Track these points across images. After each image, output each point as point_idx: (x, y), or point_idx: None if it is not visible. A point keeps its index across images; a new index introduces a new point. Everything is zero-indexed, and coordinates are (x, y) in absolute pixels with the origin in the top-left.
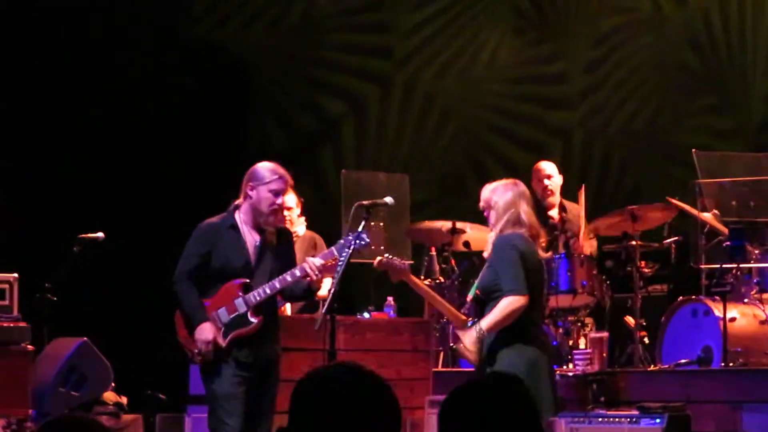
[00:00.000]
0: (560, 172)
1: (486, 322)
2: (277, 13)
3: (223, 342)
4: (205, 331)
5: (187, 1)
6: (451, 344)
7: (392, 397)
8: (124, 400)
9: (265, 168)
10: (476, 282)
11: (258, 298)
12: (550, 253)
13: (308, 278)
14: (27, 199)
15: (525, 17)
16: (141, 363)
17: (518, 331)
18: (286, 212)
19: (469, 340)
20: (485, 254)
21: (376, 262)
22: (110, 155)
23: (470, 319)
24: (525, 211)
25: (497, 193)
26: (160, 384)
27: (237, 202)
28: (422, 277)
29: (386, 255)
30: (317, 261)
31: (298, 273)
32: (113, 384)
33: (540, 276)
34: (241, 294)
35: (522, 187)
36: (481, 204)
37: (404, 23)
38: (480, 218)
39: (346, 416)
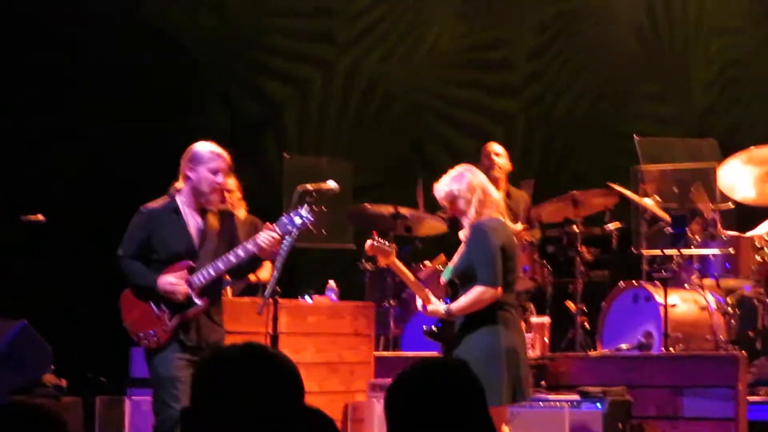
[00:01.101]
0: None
1: (456, 305)
2: None
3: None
4: (167, 280)
5: None
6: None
7: (290, 373)
8: (63, 382)
9: (203, 148)
10: (450, 266)
11: (202, 280)
12: (521, 226)
13: (261, 253)
14: None
15: (469, 3)
16: (81, 346)
17: (486, 315)
18: (226, 194)
19: (438, 307)
20: (462, 236)
21: (367, 246)
22: (51, 136)
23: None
24: (490, 187)
25: (456, 181)
26: (100, 367)
27: (176, 185)
28: (364, 261)
29: (376, 239)
30: (270, 234)
31: (241, 253)
32: (53, 367)
33: (515, 260)
34: (186, 276)
35: (472, 168)
36: (442, 201)
37: (348, 8)
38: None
39: (243, 392)
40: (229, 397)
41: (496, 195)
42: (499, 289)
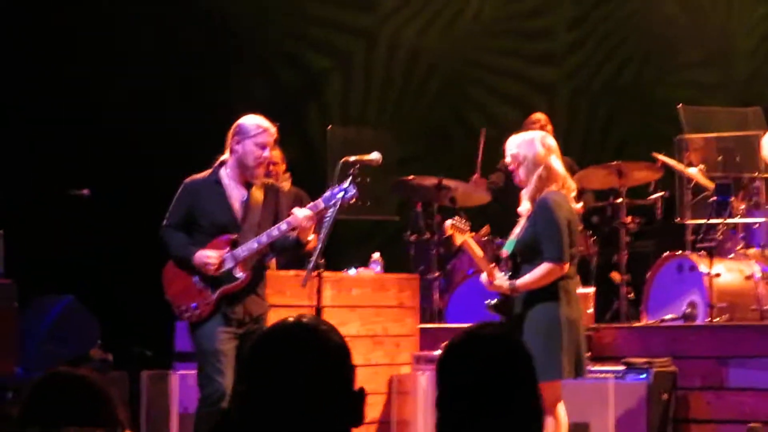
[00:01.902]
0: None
1: (522, 281)
2: None
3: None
4: (203, 253)
5: None
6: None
7: (339, 352)
8: (110, 356)
9: (250, 121)
10: (512, 238)
11: (245, 254)
12: (582, 205)
13: (296, 230)
14: (12, 154)
15: None
16: (127, 320)
17: (548, 288)
18: (272, 167)
19: (502, 283)
20: (522, 210)
21: (447, 225)
22: (94, 110)
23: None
24: (556, 163)
25: (525, 147)
26: (146, 340)
27: (222, 157)
28: (408, 233)
29: (456, 218)
30: (305, 212)
31: (284, 227)
32: (99, 341)
33: (576, 234)
34: (228, 249)
35: (549, 138)
36: (507, 159)
37: None
38: (466, 173)
39: (292, 372)
40: (279, 377)
41: (562, 171)
42: (566, 265)
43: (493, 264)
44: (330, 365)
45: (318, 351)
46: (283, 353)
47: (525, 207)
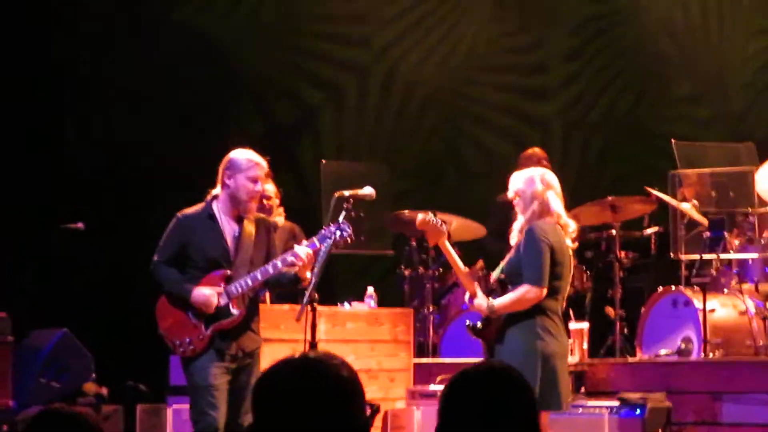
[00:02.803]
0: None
1: (499, 302)
2: (257, 1)
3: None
4: (202, 293)
5: None
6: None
7: (347, 387)
8: (104, 390)
9: (241, 156)
10: (502, 265)
11: (240, 290)
12: (576, 245)
13: (295, 267)
14: (5, 188)
15: (504, 6)
16: (121, 354)
17: (526, 318)
18: (265, 202)
19: (482, 303)
20: (512, 240)
21: (418, 220)
22: (88, 144)
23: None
24: (553, 200)
25: (525, 183)
26: (140, 375)
27: (214, 191)
28: (403, 267)
29: (429, 214)
30: (306, 250)
31: (279, 264)
32: (94, 375)
33: (566, 267)
34: (222, 285)
35: (549, 175)
36: (511, 194)
37: (383, 12)
38: (459, 207)
39: (300, 409)
40: (287, 412)
41: (559, 207)
42: (544, 289)
43: (476, 282)
44: (339, 399)
45: (327, 385)
46: (292, 387)
47: (515, 238)
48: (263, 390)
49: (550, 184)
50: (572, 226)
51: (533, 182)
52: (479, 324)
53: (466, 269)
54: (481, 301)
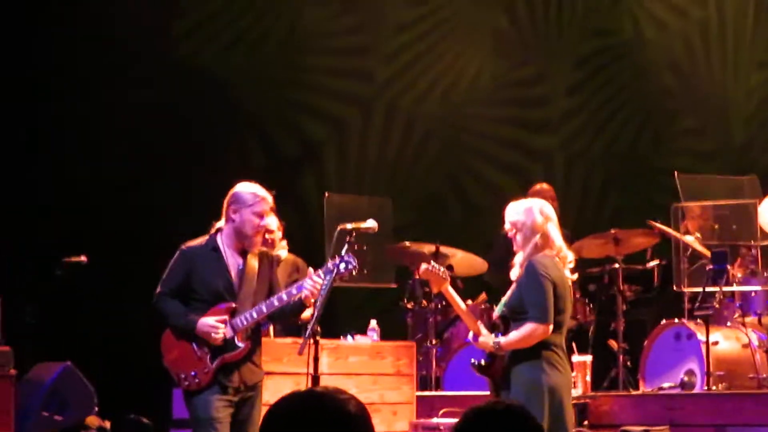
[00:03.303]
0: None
1: (506, 340)
2: (260, 36)
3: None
4: (207, 322)
5: (169, 22)
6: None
7: (363, 426)
8: (107, 424)
9: (247, 190)
10: (503, 300)
11: (245, 323)
12: (576, 276)
13: (303, 297)
14: (9, 221)
15: (506, 40)
16: (124, 387)
17: (531, 353)
18: (267, 235)
19: (487, 340)
20: (513, 275)
21: (421, 270)
22: (92, 178)
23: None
24: (552, 232)
25: (524, 214)
26: (143, 408)
27: (218, 224)
28: (405, 300)
29: (432, 263)
30: (311, 282)
31: (285, 297)
32: (96, 408)
33: (567, 300)
34: (227, 318)
35: (547, 207)
36: (507, 226)
37: (386, 47)
38: (462, 240)
39: None
40: None
41: (559, 240)
42: (550, 326)
43: (478, 320)
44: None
45: (335, 420)
46: (300, 422)
47: (515, 272)
48: (271, 424)
49: (549, 216)
50: (570, 257)
51: (532, 213)
52: (483, 362)
53: (468, 309)
54: (487, 339)
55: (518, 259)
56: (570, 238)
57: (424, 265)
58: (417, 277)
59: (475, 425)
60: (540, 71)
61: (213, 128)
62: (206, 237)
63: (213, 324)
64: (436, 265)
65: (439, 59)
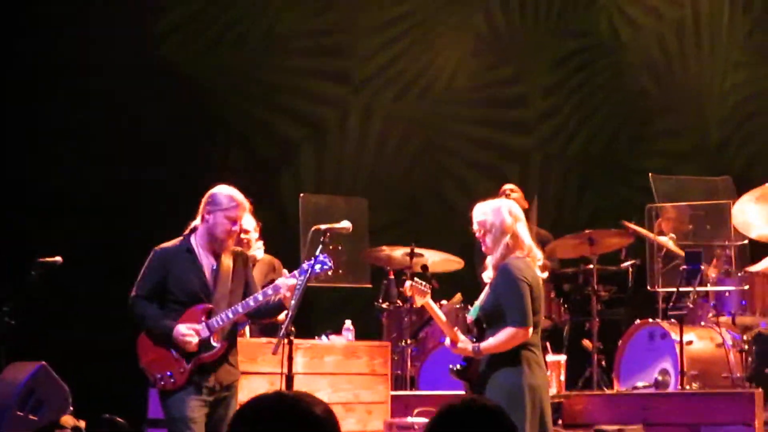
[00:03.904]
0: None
1: (485, 345)
2: (238, 37)
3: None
4: (182, 330)
5: (148, 24)
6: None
7: (325, 427)
8: (82, 424)
9: (224, 194)
10: (477, 304)
11: (221, 323)
12: (547, 274)
13: (278, 296)
14: None
15: (483, 41)
16: (99, 387)
17: (510, 355)
18: (243, 236)
19: (467, 346)
20: (485, 278)
21: (406, 286)
22: (66, 178)
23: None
24: (522, 232)
25: (493, 215)
26: (118, 408)
27: (194, 224)
28: (380, 300)
29: (414, 279)
30: (287, 282)
31: (261, 297)
32: (71, 408)
33: (541, 300)
34: (204, 319)
35: (515, 206)
36: (475, 227)
37: (362, 48)
38: (438, 241)
39: None
40: None
41: (528, 239)
42: (530, 328)
43: (456, 327)
44: None
45: (302, 423)
46: (267, 425)
47: (489, 274)
48: (238, 426)
49: (518, 216)
50: (539, 256)
51: (501, 214)
52: (459, 366)
53: (447, 319)
54: (465, 344)
55: (490, 261)
56: (547, 240)
57: (408, 282)
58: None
59: (449, 424)
60: (516, 72)
61: (191, 129)
62: (180, 238)
63: (186, 332)
64: (418, 281)
65: (416, 60)
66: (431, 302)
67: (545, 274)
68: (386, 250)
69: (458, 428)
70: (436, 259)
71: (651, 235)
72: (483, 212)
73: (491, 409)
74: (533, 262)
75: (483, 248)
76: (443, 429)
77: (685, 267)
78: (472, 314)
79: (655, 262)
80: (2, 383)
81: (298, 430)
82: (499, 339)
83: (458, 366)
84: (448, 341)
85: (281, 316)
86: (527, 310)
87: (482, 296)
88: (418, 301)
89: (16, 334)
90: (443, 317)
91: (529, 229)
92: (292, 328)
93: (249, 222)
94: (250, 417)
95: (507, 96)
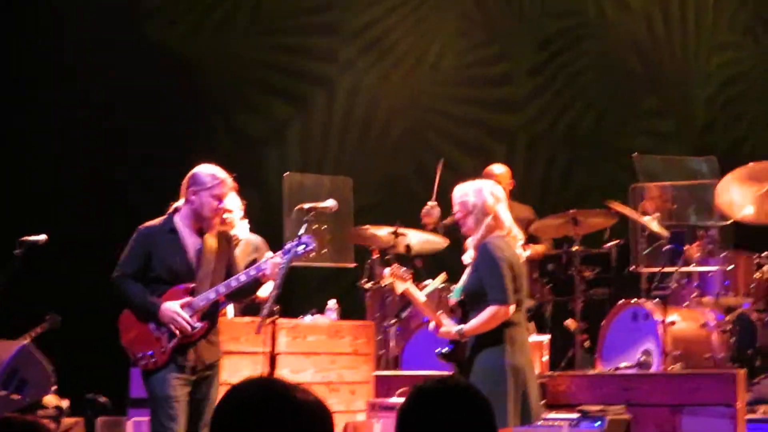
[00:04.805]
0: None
1: (468, 326)
2: (225, 15)
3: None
4: (171, 309)
5: (135, 2)
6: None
7: (318, 417)
8: (65, 403)
9: (207, 172)
10: (459, 286)
11: (203, 303)
12: (529, 253)
13: (262, 278)
14: None
15: (470, 19)
16: (82, 367)
17: (493, 334)
18: (226, 215)
19: (450, 329)
20: (466, 259)
21: (386, 273)
22: (52, 154)
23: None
24: (503, 213)
25: (475, 195)
26: (101, 387)
27: (176, 204)
28: (365, 280)
29: (394, 266)
30: (271, 263)
31: (244, 278)
32: (54, 387)
33: (522, 278)
34: (187, 299)
35: (497, 187)
36: (456, 207)
37: (350, 26)
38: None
39: None
40: None
41: (509, 220)
42: (511, 306)
43: (440, 311)
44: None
45: (284, 414)
46: (247, 416)
47: (470, 255)
48: (223, 416)
49: (499, 197)
50: (520, 236)
51: (483, 195)
52: (446, 350)
53: (426, 300)
54: (449, 327)
55: (471, 242)
56: (531, 217)
57: (387, 269)
58: (383, 283)
59: (419, 406)
60: (503, 51)
61: (177, 108)
62: (163, 217)
63: (175, 312)
64: (398, 267)
65: (403, 39)
66: (412, 288)
67: (527, 252)
68: (370, 229)
69: (428, 409)
70: (420, 239)
71: (635, 214)
72: (464, 193)
73: (461, 388)
74: (514, 242)
75: (463, 229)
76: (414, 412)
77: (668, 247)
78: (454, 295)
79: (638, 242)
80: None
81: (289, 415)
82: (481, 319)
83: (445, 349)
84: (432, 325)
85: (263, 294)
86: (508, 287)
87: (464, 277)
88: (399, 288)
89: None
90: (424, 300)
91: (510, 208)
92: (276, 308)
93: (232, 201)
94: (237, 404)
95: (493, 75)
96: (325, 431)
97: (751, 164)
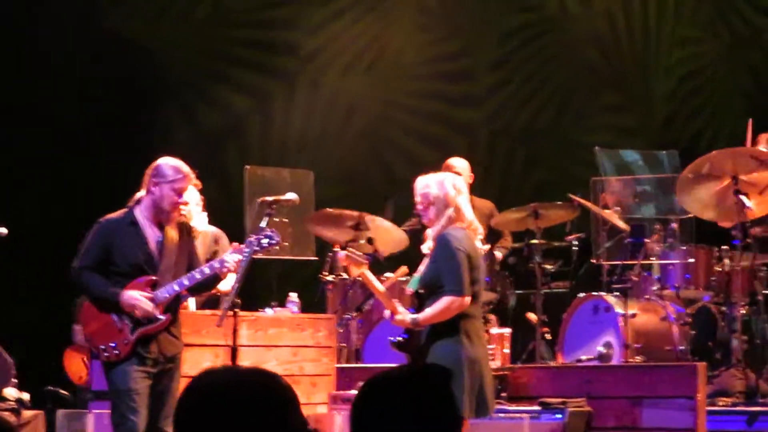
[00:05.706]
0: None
1: (423, 315)
2: (185, 7)
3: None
4: (132, 296)
5: None
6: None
7: (281, 399)
8: (26, 396)
9: (169, 165)
10: (416, 275)
11: (166, 296)
12: (489, 246)
13: (225, 271)
14: None
15: (431, 13)
16: (43, 359)
17: (449, 325)
18: (183, 207)
19: (405, 318)
20: (425, 249)
21: (341, 256)
22: (10, 147)
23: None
24: (465, 205)
25: (436, 188)
26: (62, 380)
27: (138, 195)
28: (325, 273)
29: (350, 249)
30: (235, 257)
31: (208, 271)
32: (15, 380)
33: (480, 271)
34: (149, 291)
35: (458, 180)
36: (418, 199)
37: (310, 20)
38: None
39: (230, 424)
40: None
41: (470, 213)
42: (467, 297)
43: (397, 300)
44: (274, 405)
45: (254, 399)
46: (214, 403)
47: (428, 246)
48: (186, 407)
49: (461, 189)
50: (480, 229)
51: (445, 187)
52: (401, 339)
53: (385, 290)
54: (404, 316)
55: (431, 232)
56: (492, 213)
57: (342, 252)
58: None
59: (371, 399)
60: (464, 46)
61: (136, 100)
62: (124, 210)
63: (138, 297)
64: (354, 251)
65: (364, 33)
66: (368, 273)
67: (486, 247)
68: (331, 211)
69: (379, 402)
70: (382, 232)
71: (596, 208)
72: (427, 184)
73: (413, 375)
74: (474, 235)
75: (425, 220)
76: (366, 406)
77: (629, 240)
78: (411, 285)
79: (599, 235)
80: None
81: (257, 399)
82: (436, 308)
83: (399, 338)
84: (387, 313)
85: (224, 287)
86: (464, 278)
87: (421, 267)
88: (354, 272)
89: None
90: (381, 288)
91: (471, 201)
92: (238, 301)
93: (189, 193)
94: (197, 401)
95: (454, 70)
96: (286, 405)
97: (697, 160)
